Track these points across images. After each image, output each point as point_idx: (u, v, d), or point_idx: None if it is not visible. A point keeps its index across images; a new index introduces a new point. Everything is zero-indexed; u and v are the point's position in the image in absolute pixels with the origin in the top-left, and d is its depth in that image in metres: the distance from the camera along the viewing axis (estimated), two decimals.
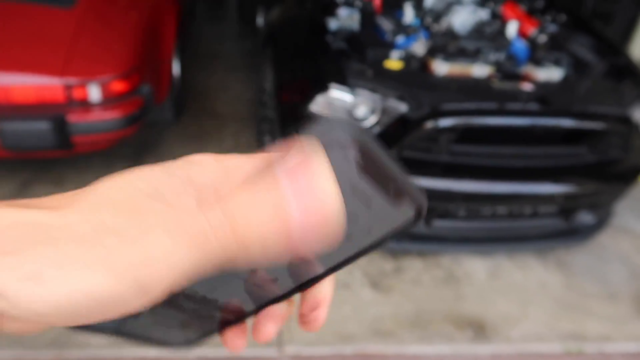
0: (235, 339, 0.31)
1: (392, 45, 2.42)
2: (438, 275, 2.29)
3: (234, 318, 0.31)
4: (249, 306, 0.30)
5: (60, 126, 2.09)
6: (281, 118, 2.24)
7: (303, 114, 2.07)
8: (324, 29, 2.23)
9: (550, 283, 2.33)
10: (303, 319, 0.30)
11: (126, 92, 2.23)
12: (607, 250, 2.59)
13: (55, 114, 2.09)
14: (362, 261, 2.26)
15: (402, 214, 0.26)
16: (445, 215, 2.17)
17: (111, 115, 2.19)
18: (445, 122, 1.88)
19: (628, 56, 2.46)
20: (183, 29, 3.22)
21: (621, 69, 2.40)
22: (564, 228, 2.31)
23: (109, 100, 2.19)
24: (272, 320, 0.29)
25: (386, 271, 2.27)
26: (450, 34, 2.39)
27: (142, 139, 2.93)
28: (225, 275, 0.25)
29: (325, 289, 0.29)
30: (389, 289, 2.18)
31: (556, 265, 2.44)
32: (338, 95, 1.98)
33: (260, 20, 2.92)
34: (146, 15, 2.49)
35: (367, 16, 2.57)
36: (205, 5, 5.61)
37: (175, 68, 3.04)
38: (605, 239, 2.64)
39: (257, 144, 2.98)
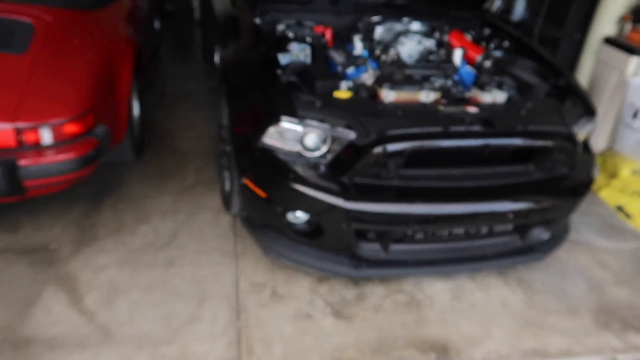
0: None
1: (342, 77, 2.49)
2: (400, 300, 2.29)
3: None
4: None
5: (11, 171, 2.07)
6: (236, 151, 2.26)
7: (256, 147, 2.10)
8: (275, 64, 2.29)
9: (512, 301, 2.36)
10: None
11: (80, 133, 2.23)
12: (566, 265, 2.64)
13: (6, 158, 2.07)
14: (323, 289, 2.26)
15: None
16: (402, 239, 2.19)
17: (64, 158, 2.18)
18: (393, 146, 1.92)
19: (569, 77, 2.57)
20: (142, 69, 3.26)
21: (564, 90, 2.51)
22: (521, 246, 2.35)
23: (62, 143, 2.19)
24: None
25: (348, 299, 2.26)
26: (398, 63, 2.48)
27: (102, 179, 2.92)
28: None
29: None
30: (351, 317, 2.17)
31: (517, 283, 2.47)
32: (289, 126, 2.02)
33: (217, 59, 2.98)
34: (101, 58, 2.52)
35: (319, 50, 2.66)
36: (172, 46, 5.70)
37: (135, 108, 3.07)
38: (563, 254, 2.70)
39: (217, 179, 2.99)
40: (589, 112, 2.40)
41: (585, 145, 2.48)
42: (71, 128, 2.19)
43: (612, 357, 2.12)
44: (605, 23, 3.59)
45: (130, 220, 2.62)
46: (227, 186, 2.59)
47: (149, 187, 2.92)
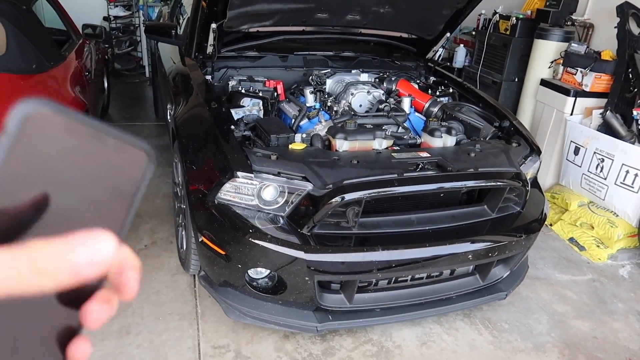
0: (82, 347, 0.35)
1: (296, 129, 2.51)
2: (369, 351, 2.23)
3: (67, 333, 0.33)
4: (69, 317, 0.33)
5: None
6: (192, 209, 2.21)
7: (212, 203, 2.06)
8: (228, 119, 2.29)
9: (480, 343, 2.34)
10: (116, 287, 0.34)
11: None
12: (528, 302, 2.67)
13: None
14: (289, 346, 2.17)
15: (138, 162, 0.33)
16: (366, 288, 2.17)
17: None
18: (351, 196, 1.92)
19: (513, 119, 2.69)
20: None
21: (508, 131, 2.62)
22: (482, 285, 2.36)
23: None
24: (98, 305, 0.34)
25: (315, 354, 2.19)
26: (350, 113, 2.53)
27: None
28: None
29: (123, 253, 0.34)
30: None
31: (483, 324, 2.46)
32: (245, 181, 1.99)
33: (168, 116, 2.95)
34: None
35: (271, 104, 2.69)
36: (122, 105, 5.64)
37: None
38: (524, 291, 2.73)
39: (173, 239, 2.90)
40: (534, 151, 2.51)
41: (535, 183, 2.58)
42: None
43: None
44: (540, 67, 3.84)
45: None
46: (184, 245, 2.50)
47: None
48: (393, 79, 2.99)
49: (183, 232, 2.53)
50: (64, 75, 3.01)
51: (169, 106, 2.98)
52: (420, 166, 2.11)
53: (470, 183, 2.17)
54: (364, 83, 2.84)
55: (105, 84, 4.93)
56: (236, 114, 2.48)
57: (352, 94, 2.70)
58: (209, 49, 2.79)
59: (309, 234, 1.98)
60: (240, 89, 2.73)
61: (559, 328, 2.50)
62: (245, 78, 2.85)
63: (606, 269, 3.08)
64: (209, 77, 2.84)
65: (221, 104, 2.41)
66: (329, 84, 2.90)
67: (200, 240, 2.14)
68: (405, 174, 2.03)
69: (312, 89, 2.75)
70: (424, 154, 2.21)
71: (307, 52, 3.15)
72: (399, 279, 2.19)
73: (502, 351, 2.31)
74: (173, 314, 2.36)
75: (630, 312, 2.69)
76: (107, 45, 5.38)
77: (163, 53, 3.90)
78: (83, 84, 3.31)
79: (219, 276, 2.19)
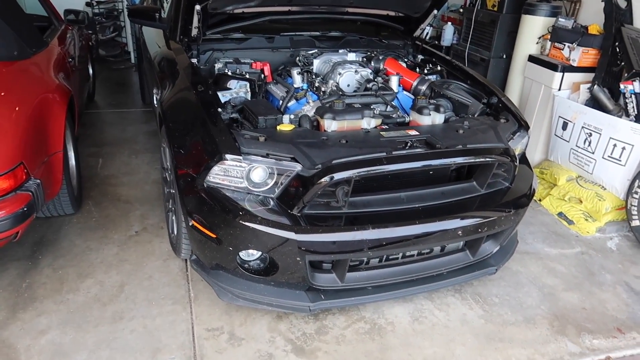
0: None
1: (283, 110, 2.50)
2: (362, 329, 2.26)
3: None
4: None
5: None
6: (182, 193, 2.20)
7: (201, 187, 2.05)
8: (216, 102, 2.27)
9: (471, 317, 2.37)
10: None
11: (10, 189, 2.10)
12: (518, 276, 2.70)
13: None
14: (283, 326, 2.19)
15: None
16: (357, 266, 2.18)
17: None
18: (340, 175, 1.92)
19: (501, 95, 2.69)
20: (76, 117, 3.14)
21: (497, 107, 2.62)
22: (473, 261, 2.38)
23: None
24: None
25: (309, 333, 2.21)
26: (337, 93, 2.51)
27: (38, 236, 2.75)
28: None
29: None
30: (313, 351, 2.11)
31: (474, 299, 2.49)
32: (233, 163, 1.98)
33: (155, 101, 2.92)
34: (29, 108, 2.40)
35: (259, 85, 2.66)
36: (108, 91, 5.57)
37: (71, 158, 2.94)
38: (514, 266, 2.77)
39: (164, 224, 2.89)
40: (522, 126, 2.52)
41: (523, 159, 2.59)
42: (0, 184, 2.06)
43: None
44: (528, 43, 3.83)
45: (72, 276, 2.47)
46: (175, 230, 2.50)
47: (91, 239, 2.77)
48: (381, 57, 2.97)
49: (173, 217, 2.52)
50: (46, 62, 2.95)
51: (155, 91, 2.95)
52: (409, 144, 2.11)
53: (459, 160, 2.18)
54: (351, 62, 2.82)
55: (90, 71, 4.86)
56: (223, 96, 2.45)
57: (339, 74, 2.69)
58: (194, 32, 2.75)
59: (299, 214, 1.99)
60: (226, 71, 2.70)
61: (548, 300, 2.54)
62: (231, 60, 2.82)
63: (594, 242, 3.12)
64: (194, 61, 2.81)
65: (208, 87, 2.39)
66: (316, 64, 2.88)
67: (190, 224, 2.14)
68: (394, 152, 2.03)
69: (300, 70, 2.72)
70: (413, 132, 2.21)
71: (294, 33, 3.12)
72: (390, 257, 2.21)
73: (492, 325, 2.34)
74: (166, 298, 2.36)
75: (618, 283, 2.73)
76: (90, 31, 5.28)
77: (148, 37, 3.84)
78: (67, 71, 3.26)
79: (210, 259, 2.20)
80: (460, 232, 2.15)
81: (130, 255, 2.66)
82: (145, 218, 3.02)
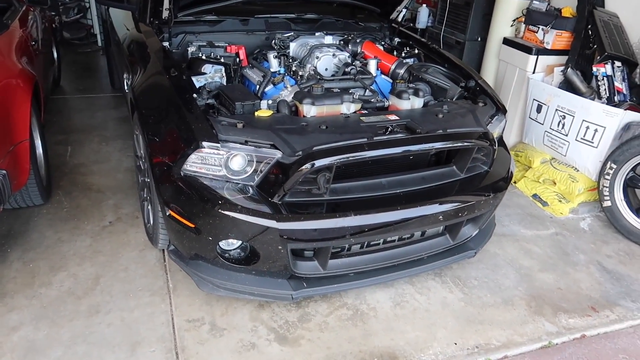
0: None
1: (261, 96, 2.44)
2: (344, 315, 2.25)
3: None
4: None
5: None
6: (157, 182, 2.13)
7: (178, 176, 1.99)
8: (190, 87, 2.19)
9: (451, 300, 2.40)
10: None
11: None
12: (496, 258, 2.74)
13: None
14: (265, 315, 2.17)
15: None
16: (339, 253, 2.16)
17: None
18: (321, 162, 1.89)
19: (478, 78, 2.69)
20: (42, 104, 3.01)
21: (474, 91, 2.62)
22: (453, 245, 2.40)
23: None
24: None
25: (291, 321, 2.19)
26: (316, 77, 2.47)
27: (5, 228, 2.64)
28: None
29: None
30: (296, 339, 2.10)
31: (453, 282, 2.52)
32: (211, 151, 1.93)
33: (126, 87, 2.81)
34: None
35: (234, 70, 2.59)
36: (74, 76, 5.37)
37: (38, 146, 2.82)
38: (492, 248, 2.80)
39: (139, 213, 2.81)
40: (500, 110, 2.52)
41: (500, 142, 2.60)
42: None
43: (549, 342, 2.21)
44: (503, 25, 3.84)
45: (44, 269, 2.38)
46: (151, 219, 2.43)
47: (62, 231, 2.68)
48: (358, 40, 2.92)
49: (149, 207, 2.45)
50: (8, 46, 2.80)
51: (125, 76, 2.84)
52: (389, 129, 2.08)
53: (440, 144, 2.16)
54: (328, 46, 2.76)
55: (55, 55, 4.67)
56: (197, 81, 2.38)
57: (317, 58, 2.63)
58: (165, 14, 2.66)
59: (280, 202, 1.95)
60: (200, 55, 2.61)
61: (525, 282, 2.58)
62: (205, 44, 2.73)
63: (568, 223, 3.19)
64: (166, 44, 2.71)
65: (181, 71, 2.31)
66: (293, 47, 2.82)
67: (167, 214, 2.08)
68: (375, 138, 2.00)
69: (276, 54, 2.65)
70: (393, 117, 2.18)
71: (269, 15, 3.04)
72: (372, 243, 2.20)
73: (472, 307, 2.37)
74: (144, 290, 2.30)
75: (591, 262, 2.80)
76: (53, 13, 5.06)
77: (115, 19, 3.69)
78: (30, 55, 3.11)
79: (189, 250, 2.15)
80: (441, 217, 2.15)
81: (104, 246, 2.58)
82: (118, 207, 2.93)
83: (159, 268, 2.45)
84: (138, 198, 2.84)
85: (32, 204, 2.74)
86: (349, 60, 2.71)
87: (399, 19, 3.40)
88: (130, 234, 2.69)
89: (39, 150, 2.85)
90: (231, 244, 2.10)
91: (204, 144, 1.91)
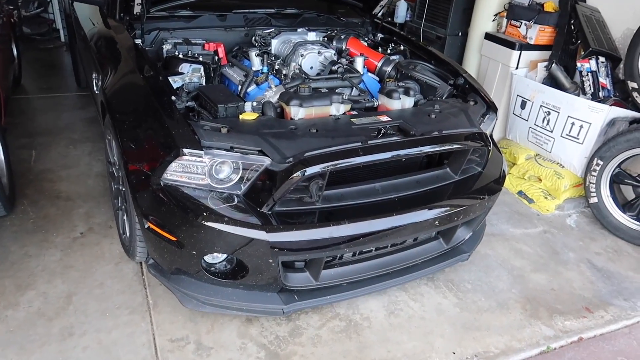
0: None
1: (243, 97, 2.30)
2: (337, 327, 2.15)
3: None
4: None
5: None
6: (134, 191, 1.96)
7: (157, 185, 1.83)
8: (168, 89, 2.03)
9: (446, 306, 2.32)
10: None
11: None
12: (488, 259, 2.68)
13: None
14: (254, 331, 2.04)
15: None
16: (331, 263, 2.05)
17: None
18: (313, 169, 1.77)
19: (467, 75, 2.60)
20: (3, 104, 2.79)
21: (463, 89, 2.54)
22: (446, 249, 2.32)
23: None
24: None
25: (282, 336, 2.07)
26: (301, 77, 2.33)
27: None
28: None
29: None
30: (288, 356, 1.98)
31: (447, 287, 2.44)
32: (193, 159, 1.78)
33: (96, 87, 2.62)
34: None
35: (213, 69, 2.44)
36: (36, 75, 5.08)
37: None
38: (483, 249, 2.74)
39: (114, 222, 2.63)
40: (490, 108, 2.45)
41: (492, 141, 2.53)
42: None
43: (547, 347, 2.16)
44: (484, 20, 3.78)
45: (9, 288, 2.19)
46: (127, 231, 2.26)
47: (29, 244, 2.48)
48: (342, 37, 2.80)
49: (124, 217, 2.28)
50: None
51: (94, 75, 2.64)
52: (382, 131, 1.97)
53: (437, 147, 2.06)
54: (313, 43, 2.63)
55: (15, 51, 4.38)
56: (175, 82, 2.21)
57: (302, 55, 2.50)
58: (137, 9, 2.48)
59: (269, 212, 1.82)
60: (177, 53, 2.44)
61: (518, 283, 2.53)
62: (181, 41, 2.56)
63: (555, 220, 3.16)
64: (138, 41, 2.53)
65: (157, 71, 2.14)
66: (275, 44, 2.67)
67: (146, 226, 1.92)
68: (369, 142, 1.89)
69: (258, 51, 2.51)
70: (384, 118, 2.07)
71: (247, 10, 2.89)
72: (365, 251, 2.09)
73: (468, 312, 2.30)
74: (121, 307, 2.14)
75: (581, 260, 2.77)
76: (11, 7, 4.75)
77: (80, 14, 3.47)
78: None
79: (170, 264, 1.99)
80: (437, 221, 2.06)
81: (76, 260, 2.40)
82: (90, 217, 2.74)
83: (137, 282, 2.29)
84: (111, 206, 2.66)
85: None
86: (335, 58, 2.58)
87: (378, 14, 3.29)
88: (104, 245, 2.51)
89: (0, 155, 2.63)
90: (217, 258, 1.96)
91: (186, 150, 1.77)
